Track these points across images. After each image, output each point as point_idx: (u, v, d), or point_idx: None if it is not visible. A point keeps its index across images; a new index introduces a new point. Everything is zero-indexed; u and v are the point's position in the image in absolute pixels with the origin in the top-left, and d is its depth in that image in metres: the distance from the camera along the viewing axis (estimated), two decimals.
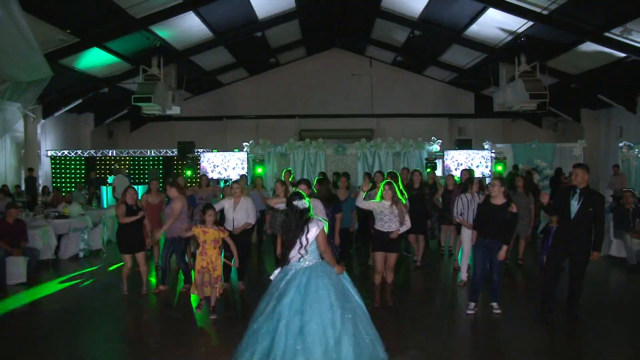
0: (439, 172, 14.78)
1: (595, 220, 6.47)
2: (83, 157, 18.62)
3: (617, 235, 10.30)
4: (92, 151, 18.92)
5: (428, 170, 14.40)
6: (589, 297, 7.43)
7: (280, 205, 7.05)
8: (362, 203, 7.20)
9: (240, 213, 7.93)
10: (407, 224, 7.04)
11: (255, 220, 8.40)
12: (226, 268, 8.17)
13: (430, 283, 9.19)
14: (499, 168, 15.04)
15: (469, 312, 6.97)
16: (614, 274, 9.67)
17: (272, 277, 5.00)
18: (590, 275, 8.56)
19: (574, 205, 6.46)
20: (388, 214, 6.97)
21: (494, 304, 7.00)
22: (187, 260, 8.55)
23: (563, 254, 6.64)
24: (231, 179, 14.35)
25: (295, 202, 4.96)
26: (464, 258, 8.58)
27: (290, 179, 10.84)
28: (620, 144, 16.23)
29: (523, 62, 15.21)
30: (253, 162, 15.23)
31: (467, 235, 8.17)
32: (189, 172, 16.03)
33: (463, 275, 8.61)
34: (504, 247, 6.75)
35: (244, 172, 15.08)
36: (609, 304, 7.80)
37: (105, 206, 15.29)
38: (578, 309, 6.70)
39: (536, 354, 5.67)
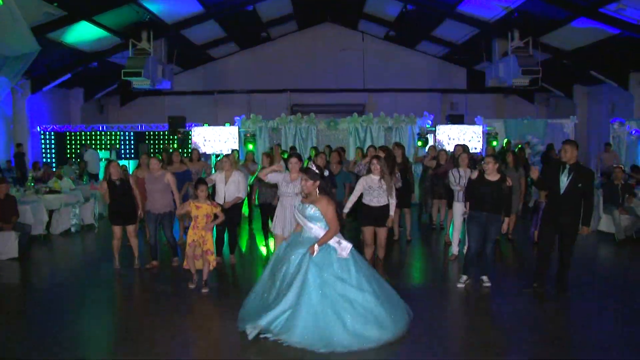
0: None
1: (584, 195, 6.52)
2: (73, 132, 18.44)
3: (606, 211, 10.39)
4: (83, 126, 18.76)
5: (419, 144, 14.42)
6: (577, 271, 7.52)
7: (272, 177, 7.01)
8: (350, 202, 7.23)
9: (231, 187, 7.93)
10: (392, 201, 7.06)
11: (246, 195, 8.41)
12: (218, 242, 8.20)
13: (422, 257, 9.27)
14: (494, 144, 15.06)
15: (459, 284, 7.04)
16: (603, 249, 9.78)
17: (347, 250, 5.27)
18: (580, 249, 8.68)
19: (563, 180, 6.50)
20: (377, 189, 6.97)
21: (484, 278, 7.07)
22: (174, 235, 8.54)
23: (554, 229, 6.69)
24: (222, 154, 14.30)
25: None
26: (455, 232, 8.65)
27: (280, 153, 10.85)
28: (612, 121, 16.27)
29: (516, 37, 15.13)
30: (245, 137, 15.17)
31: (459, 210, 8.24)
32: (174, 145, 15.91)
33: (454, 249, 8.68)
34: (506, 220, 6.95)
35: (236, 146, 15.04)
36: (597, 278, 7.90)
37: (96, 181, 15.20)
38: (567, 282, 6.79)
39: (525, 327, 5.75)
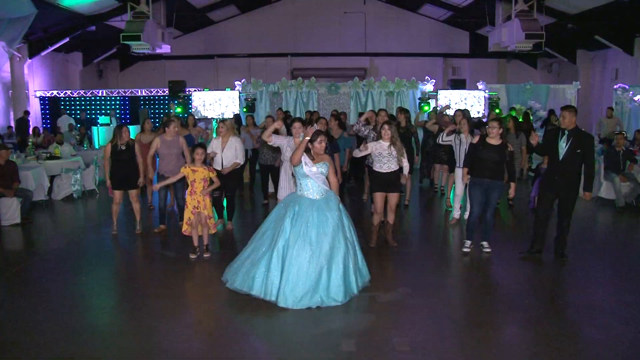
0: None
1: (583, 161, 6.52)
2: (72, 97, 18.33)
3: (607, 178, 10.38)
4: (82, 91, 18.64)
5: (426, 108, 14.30)
6: (576, 237, 7.57)
7: (277, 141, 7.03)
8: (358, 153, 7.22)
9: (228, 153, 7.88)
10: (406, 164, 7.07)
11: (245, 160, 8.39)
12: (217, 206, 8.17)
13: (422, 222, 9.32)
14: (497, 110, 14.95)
15: (465, 249, 7.07)
16: (603, 215, 9.81)
17: None
18: (579, 216, 8.73)
19: (562, 146, 6.49)
20: (387, 155, 6.96)
21: (485, 243, 7.11)
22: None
23: (552, 195, 6.72)
24: (223, 118, 14.25)
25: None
26: (456, 197, 8.67)
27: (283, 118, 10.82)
28: (615, 86, 16.12)
29: (520, 0, 14.87)
30: (245, 102, 15.09)
31: (460, 175, 8.24)
32: (179, 109, 15.82)
33: (455, 214, 8.72)
34: (512, 185, 6.98)
35: (237, 110, 14.96)
36: (596, 243, 7.95)
37: (96, 147, 15.19)
38: (565, 248, 6.83)
39: (523, 292, 5.81)
